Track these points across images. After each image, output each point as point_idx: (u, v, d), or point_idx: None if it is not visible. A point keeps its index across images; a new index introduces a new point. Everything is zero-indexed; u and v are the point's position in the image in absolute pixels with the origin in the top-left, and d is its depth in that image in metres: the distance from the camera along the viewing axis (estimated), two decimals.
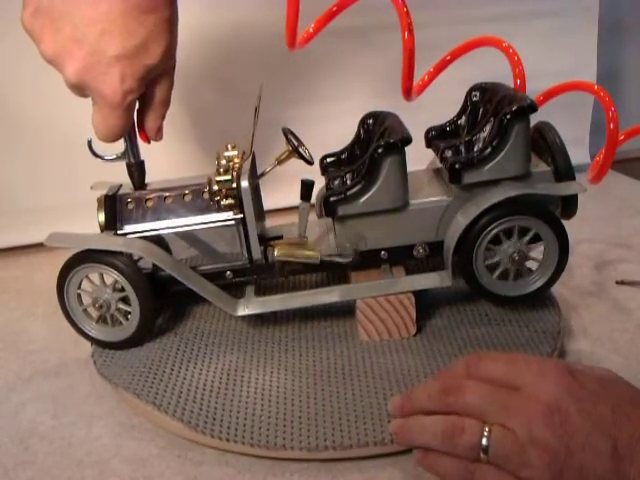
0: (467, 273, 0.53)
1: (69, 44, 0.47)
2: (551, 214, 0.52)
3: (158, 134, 0.56)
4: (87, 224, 0.87)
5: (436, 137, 0.58)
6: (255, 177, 0.58)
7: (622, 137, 0.54)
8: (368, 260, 0.55)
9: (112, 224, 0.56)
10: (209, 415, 0.48)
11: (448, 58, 0.59)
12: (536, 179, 0.53)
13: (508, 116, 0.50)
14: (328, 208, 0.53)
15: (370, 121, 0.58)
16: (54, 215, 0.83)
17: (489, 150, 0.51)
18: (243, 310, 0.55)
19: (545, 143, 0.54)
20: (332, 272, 0.60)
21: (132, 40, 0.47)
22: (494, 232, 0.52)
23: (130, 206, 0.56)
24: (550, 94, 0.56)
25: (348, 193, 0.52)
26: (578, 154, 0.96)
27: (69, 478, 0.45)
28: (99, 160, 0.57)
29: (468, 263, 0.53)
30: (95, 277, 0.55)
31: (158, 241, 0.56)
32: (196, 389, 0.51)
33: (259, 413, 0.48)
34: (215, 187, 0.52)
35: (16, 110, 0.80)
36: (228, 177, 0.52)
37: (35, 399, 0.54)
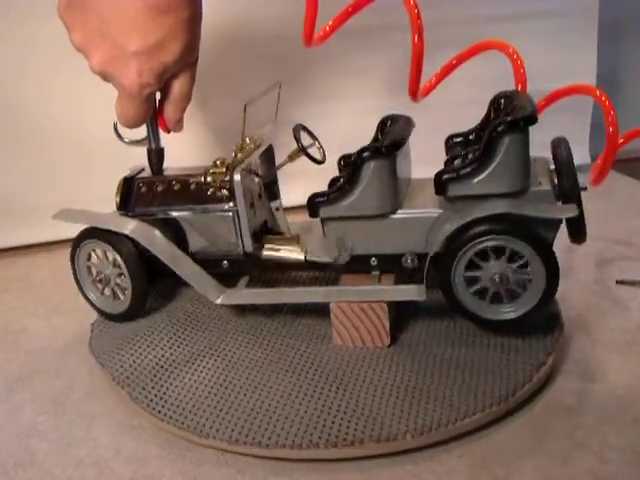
0: (445, 289, 0.51)
1: (95, 36, 0.51)
2: (539, 238, 0.49)
3: (177, 125, 0.58)
4: None
5: (456, 145, 0.57)
6: (270, 172, 0.59)
7: (622, 140, 0.54)
8: (358, 265, 0.54)
9: (125, 205, 0.59)
10: (156, 394, 0.50)
11: (454, 62, 0.59)
12: (533, 198, 0.50)
13: (499, 128, 0.48)
14: (310, 209, 0.53)
15: (388, 123, 0.58)
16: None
17: (475, 163, 0.49)
18: (223, 299, 0.56)
19: (554, 160, 0.51)
20: (322, 272, 0.60)
21: (149, 38, 0.49)
22: (475, 250, 0.49)
23: (143, 189, 0.59)
24: (551, 98, 0.56)
25: (331, 196, 0.52)
26: (578, 154, 0.96)
27: (69, 478, 0.45)
28: (121, 143, 0.61)
29: (446, 279, 0.50)
30: (101, 252, 0.59)
31: (174, 226, 0.58)
32: (161, 367, 0.53)
33: (214, 404, 0.48)
34: (209, 179, 0.55)
35: (20, 110, 0.80)
36: (221, 169, 0.54)
37: (35, 399, 0.54)
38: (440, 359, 0.51)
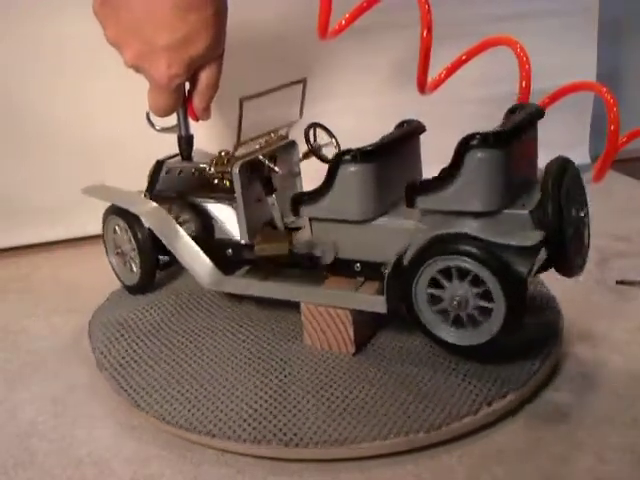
0: (406, 304, 0.49)
1: (127, 33, 0.55)
2: (500, 264, 0.44)
3: (205, 114, 0.62)
4: (89, 225, 0.87)
5: None
6: (290, 167, 0.61)
7: (624, 139, 0.54)
8: (343, 269, 0.53)
9: (151, 187, 0.63)
10: (118, 361, 0.54)
11: (464, 57, 0.59)
12: (507, 221, 0.46)
13: (468, 142, 0.45)
14: (293, 206, 0.53)
15: (404, 127, 0.57)
16: (55, 215, 0.83)
17: (440, 178, 0.46)
18: (210, 285, 0.58)
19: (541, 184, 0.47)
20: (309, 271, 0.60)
21: (177, 34, 0.53)
22: (436, 268, 0.46)
23: (168, 173, 0.63)
24: (557, 95, 0.56)
25: (311, 196, 0.52)
26: (578, 154, 0.97)
27: (69, 478, 0.45)
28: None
29: (407, 293, 0.48)
30: (122, 228, 0.63)
31: (200, 211, 0.61)
32: (136, 336, 0.58)
33: (166, 384, 0.51)
34: (212, 169, 0.57)
35: (22, 110, 0.80)
36: (223, 161, 0.57)
37: (35, 399, 0.54)
38: (396, 376, 0.49)
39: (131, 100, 0.81)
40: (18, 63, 0.78)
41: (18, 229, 0.83)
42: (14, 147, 0.81)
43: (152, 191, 0.63)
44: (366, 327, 0.54)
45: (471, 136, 0.45)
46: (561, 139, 0.91)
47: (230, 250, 0.59)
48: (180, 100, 0.60)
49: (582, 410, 0.48)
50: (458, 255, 0.45)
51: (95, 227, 0.86)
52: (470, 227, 0.46)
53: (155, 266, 0.63)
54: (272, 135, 0.60)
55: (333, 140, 0.60)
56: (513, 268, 0.44)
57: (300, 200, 0.52)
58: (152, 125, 0.64)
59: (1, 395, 0.55)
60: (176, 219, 0.60)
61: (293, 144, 0.62)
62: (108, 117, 0.82)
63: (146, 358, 0.55)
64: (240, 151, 0.57)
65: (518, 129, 0.47)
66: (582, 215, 0.49)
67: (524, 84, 0.55)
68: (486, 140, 0.44)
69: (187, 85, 0.60)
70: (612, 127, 0.52)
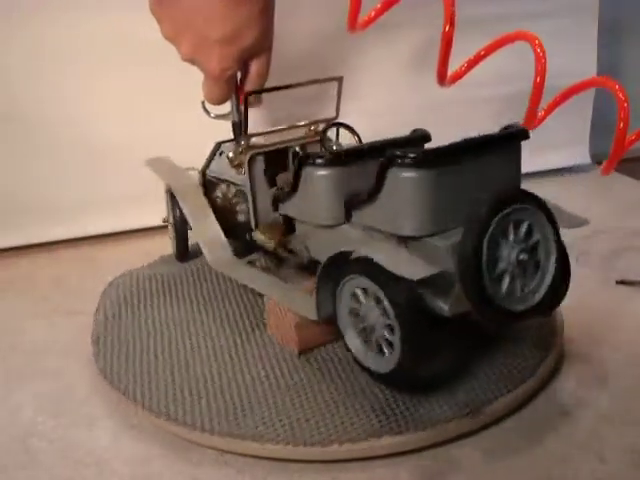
0: (333, 309, 0.48)
1: (183, 28, 0.57)
2: (402, 297, 0.41)
3: (256, 101, 0.65)
4: (89, 225, 0.87)
5: None
6: None
7: (633, 137, 0.54)
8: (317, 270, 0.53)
9: (206, 166, 0.66)
10: (107, 334, 0.58)
11: (482, 53, 0.59)
12: (426, 250, 0.42)
13: (389, 161, 0.42)
14: (272, 202, 0.54)
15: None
16: (55, 215, 0.83)
17: (368, 195, 0.44)
18: (214, 264, 0.60)
19: None
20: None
21: (229, 27, 0.56)
22: (352, 284, 0.45)
23: (219, 155, 0.65)
24: (569, 93, 0.56)
25: (284, 194, 0.52)
26: (578, 154, 0.97)
27: (69, 478, 0.45)
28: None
29: (333, 298, 0.47)
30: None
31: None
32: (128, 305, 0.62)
33: (131, 363, 0.53)
34: (231, 155, 0.60)
35: (24, 110, 0.80)
36: (239, 149, 0.60)
37: (35, 399, 0.54)
38: (316, 385, 0.49)
39: (133, 101, 0.81)
40: (19, 63, 0.79)
41: (18, 229, 0.83)
42: (15, 147, 0.81)
43: (205, 170, 0.66)
44: (318, 331, 0.52)
45: (393, 154, 0.42)
46: (561, 139, 0.91)
47: (248, 235, 0.61)
48: (232, 89, 0.62)
49: (582, 410, 0.48)
50: (366, 278, 0.43)
51: (95, 227, 0.86)
52: (383, 250, 0.43)
53: (186, 240, 0.69)
54: (311, 129, 0.63)
55: (355, 138, 0.61)
56: (418, 303, 0.41)
57: (278, 197, 0.53)
58: (207, 113, 0.66)
59: (1, 395, 0.55)
60: (231, 200, 0.63)
61: (325, 140, 0.63)
62: (110, 118, 0.82)
63: (126, 321, 0.59)
64: (269, 141, 0.59)
65: (454, 150, 0.42)
66: (524, 259, 0.41)
67: (538, 79, 0.55)
68: (406, 160, 0.41)
69: (239, 74, 0.62)
70: (621, 124, 0.52)
